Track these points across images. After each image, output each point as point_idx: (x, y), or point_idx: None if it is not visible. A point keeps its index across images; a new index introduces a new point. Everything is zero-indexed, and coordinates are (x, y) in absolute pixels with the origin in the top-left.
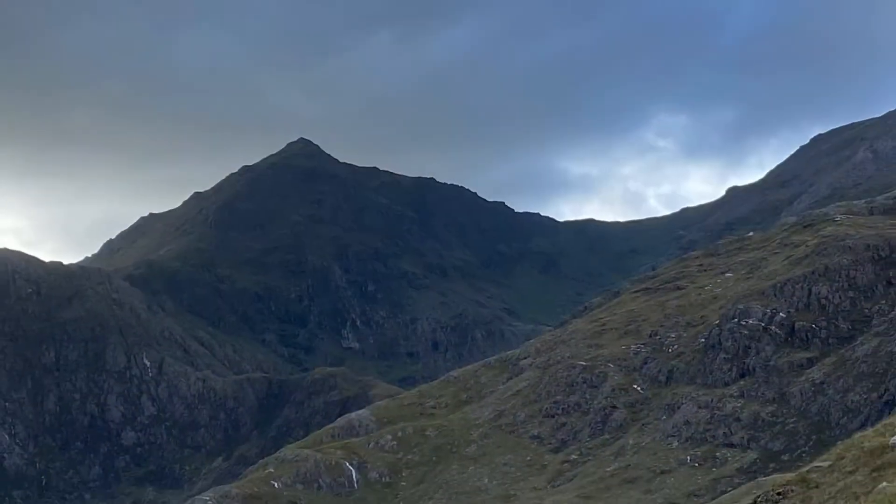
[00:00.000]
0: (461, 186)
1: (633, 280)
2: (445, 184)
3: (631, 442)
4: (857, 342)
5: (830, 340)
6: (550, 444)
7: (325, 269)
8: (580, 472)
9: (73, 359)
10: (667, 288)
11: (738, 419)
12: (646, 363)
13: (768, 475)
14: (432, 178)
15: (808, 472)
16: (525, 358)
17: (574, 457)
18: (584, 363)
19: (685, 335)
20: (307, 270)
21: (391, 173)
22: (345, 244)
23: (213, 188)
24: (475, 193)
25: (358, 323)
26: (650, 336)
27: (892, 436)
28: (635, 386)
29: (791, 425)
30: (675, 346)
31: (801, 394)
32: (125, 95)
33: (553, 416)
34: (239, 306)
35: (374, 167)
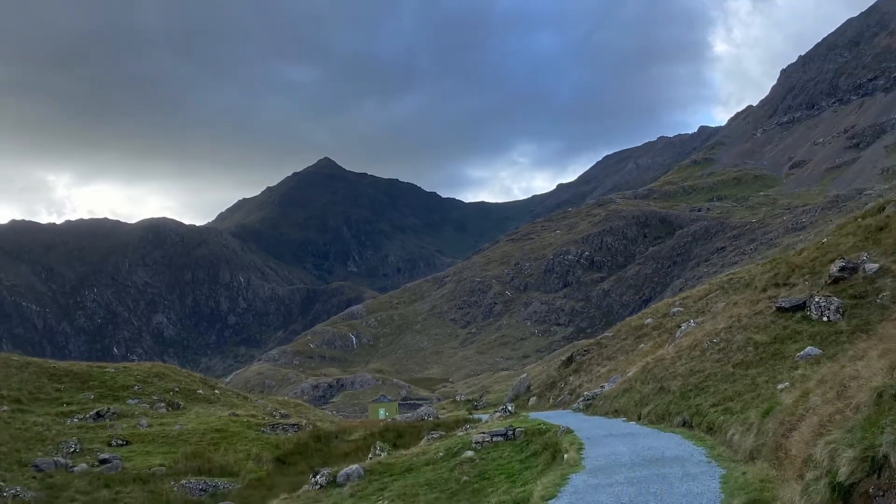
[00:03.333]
0: (414, 184)
1: (506, 234)
2: (405, 182)
3: (504, 322)
4: (628, 268)
5: (613, 267)
6: (461, 324)
7: (338, 229)
8: (477, 339)
9: (201, 277)
10: (524, 239)
11: (563, 310)
12: (513, 279)
13: (580, 341)
14: (397, 179)
15: (601, 339)
16: (447, 277)
17: (473, 330)
18: (479, 279)
19: (534, 264)
20: (329, 229)
21: (375, 176)
22: (349, 215)
23: (277, 184)
24: (420, 187)
25: (357, 258)
26: (515, 265)
27: (647, 319)
28: (507, 292)
29: (592, 313)
30: (529, 270)
31: (597, 296)
32: (228, 134)
33: (462, 308)
34: (291, 249)
35: (365, 173)
